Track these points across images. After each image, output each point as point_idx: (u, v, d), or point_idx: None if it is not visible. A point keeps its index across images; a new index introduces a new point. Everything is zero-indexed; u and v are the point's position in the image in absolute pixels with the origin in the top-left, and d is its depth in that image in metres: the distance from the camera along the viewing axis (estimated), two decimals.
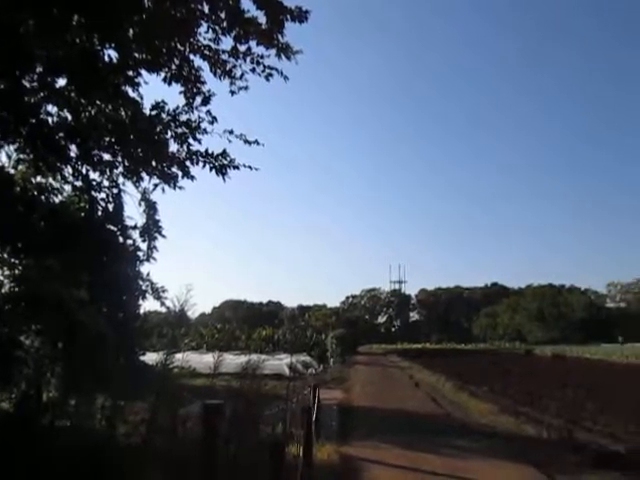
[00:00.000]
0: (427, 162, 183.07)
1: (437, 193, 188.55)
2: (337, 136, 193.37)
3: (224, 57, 6.95)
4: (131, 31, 6.19)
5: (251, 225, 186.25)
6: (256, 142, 7.12)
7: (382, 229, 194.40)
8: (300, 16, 6.66)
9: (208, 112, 7.02)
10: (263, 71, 7.03)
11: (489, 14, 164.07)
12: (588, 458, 7.88)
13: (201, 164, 6.82)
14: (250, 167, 7.02)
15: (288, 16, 6.63)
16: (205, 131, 7.01)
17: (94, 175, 6.69)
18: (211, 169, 6.82)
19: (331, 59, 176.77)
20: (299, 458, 6.12)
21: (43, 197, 6.40)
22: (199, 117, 6.99)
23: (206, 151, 6.84)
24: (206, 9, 6.45)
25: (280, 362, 24.68)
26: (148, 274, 6.79)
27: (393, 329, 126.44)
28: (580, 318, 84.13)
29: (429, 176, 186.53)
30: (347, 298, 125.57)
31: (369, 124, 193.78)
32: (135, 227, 6.81)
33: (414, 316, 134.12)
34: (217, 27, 6.69)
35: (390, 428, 10.93)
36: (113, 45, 6.16)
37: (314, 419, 8.28)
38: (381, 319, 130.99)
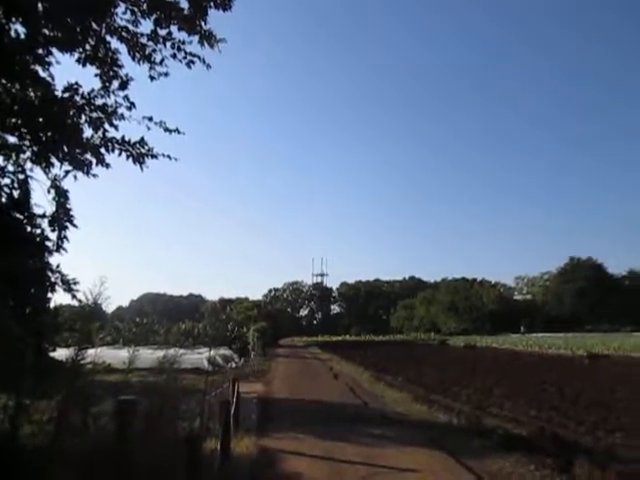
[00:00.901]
0: (349, 156, 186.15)
1: (358, 188, 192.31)
2: (263, 126, 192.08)
3: (143, 41, 6.69)
4: (40, 5, 5.82)
5: (173, 217, 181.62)
6: (177, 131, 6.92)
7: (305, 223, 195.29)
8: (224, 3, 6.54)
9: (126, 97, 6.72)
10: (184, 58, 6.83)
11: None
12: (494, 442, 8.35)
13: (117, 151, 6.53)
14: (169, 157, 6.80)
15: (211, 3, 6.50)
16: (122, 117, 6.71)
17: None
18: (128, 157, 6.54)
19: (260, 48, 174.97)
20: (216, 452, 6.06)
21: None
22: (116, 102, 6.68)
23: (123, 138, 6.55)
24: None
25: (200, 356, 24.22)
26: (58, 265, 6.38)
27: (315, 322, 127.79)
28: (490, 310, 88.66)
29: (350, 171, 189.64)
30: (270, 291, 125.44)
31: (295, 116, 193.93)
32: (44, 216, 6.37)
33: (335, 309, 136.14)
34: (136, 9, 6.44)
35: (309, 419, 11.05)
36: (20, 20, 5.77)
37: (233, 412, 8.22)
38: (303, 312, 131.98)
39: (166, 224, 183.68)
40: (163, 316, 66.50)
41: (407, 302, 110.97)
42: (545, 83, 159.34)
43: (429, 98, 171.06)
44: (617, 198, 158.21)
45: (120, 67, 6.68)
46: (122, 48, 6.68)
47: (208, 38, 6.74)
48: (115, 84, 6.65)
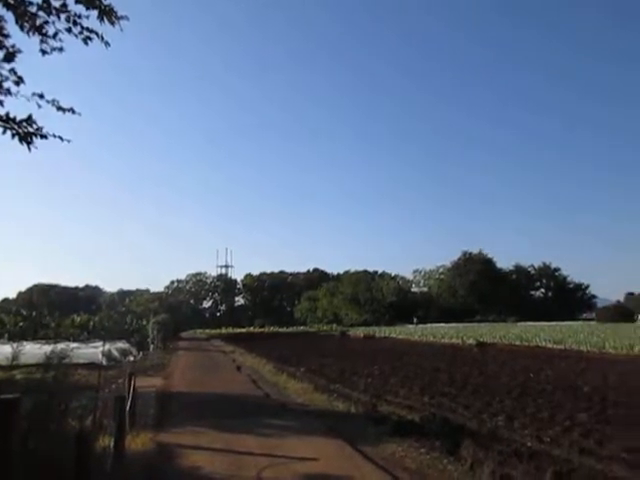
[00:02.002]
0: (256, 149, 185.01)
1: (262, 179, 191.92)
2: (170, 115, 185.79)
3: (33, 10, 6.18)
4: None
5: (66, 204, 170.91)
6: (71, 110, 6.47)
7: (210, 214, 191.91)
8: None
9: (12, 70, 6.18)
10: (81, 33, 6.38)
11: None
12: (389, 428, 8.70)
13: (0, 129, 6.00)
14: (61, 138, 6.30)
15: None
16: (9, 92, 6.18)
17: None
18: (13, 136, 6.02)
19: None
20: (109, 450, 5.81)
21: None
22: (1, 75, 6.14)
23: (7, 115, 6.02)
24: None
25: (95, 350, 23.01)
26: None
27: (218, 314, 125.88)
28: (390, 302, 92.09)
29: (257, 164, 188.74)
30: (172, 282, 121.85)
31: (204, 108, 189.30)
32: None
33: (239, 300, 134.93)
34: None
35: (210, 412, 10.91)
36: None
37: (129, 408, 7.92)
38: (206, 304, 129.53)
39: (60, 212, 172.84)
40: (56, 308, 62.32)
41: (311, 294, 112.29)
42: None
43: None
44: (506, 198, 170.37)
45: (6, 37, 6.12)
46: (9, 16, 6.12)
47: (108, 14, 6.33)
48: (0, 55, 6.09)
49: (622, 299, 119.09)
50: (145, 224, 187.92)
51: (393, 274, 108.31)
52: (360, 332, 54.47)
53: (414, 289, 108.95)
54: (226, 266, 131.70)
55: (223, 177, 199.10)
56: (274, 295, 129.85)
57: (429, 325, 65.47)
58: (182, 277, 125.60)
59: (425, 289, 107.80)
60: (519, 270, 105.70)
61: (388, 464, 6.81)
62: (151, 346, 36.44)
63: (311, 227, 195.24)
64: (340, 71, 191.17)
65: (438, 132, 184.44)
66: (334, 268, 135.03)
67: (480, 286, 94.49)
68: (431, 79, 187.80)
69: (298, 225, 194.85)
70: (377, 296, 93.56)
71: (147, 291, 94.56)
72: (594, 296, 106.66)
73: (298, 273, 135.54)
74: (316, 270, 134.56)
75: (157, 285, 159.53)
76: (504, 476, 5.98)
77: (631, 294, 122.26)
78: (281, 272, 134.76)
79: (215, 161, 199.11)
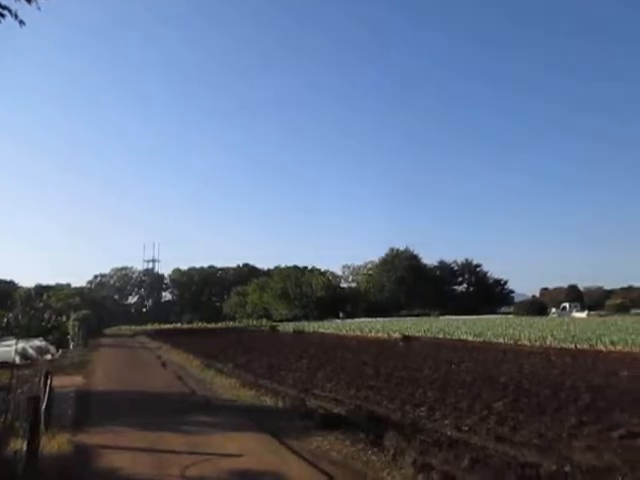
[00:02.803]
0: (180, 143, 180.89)
1: (193, 175, 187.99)
2: (95, 104, 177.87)
3: None
4: None
5: None
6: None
7: (137, 207, 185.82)
8: None
9: None
10: None
11: None
12: (315, 422, 8.79)
13: None
14: None
15: None
16: None
17: None
18: None
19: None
20: (22, 452, 5.52)
21: None
22: None
23: None
24: None
25: (9, 349, 21.76)
26: None
27: (144, 309, 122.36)
28: (319, 297, 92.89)
29: (184, 157, 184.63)
30: (95, 277, 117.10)
31: (138, 99, 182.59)
32: None
33: (167, 296, 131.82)
34: None
35: (132, 411, 10.61)
36: None
37: (44, 408, 7.55)
38: (132, 299, 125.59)
39: None
40: None
41: (240, 289, 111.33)
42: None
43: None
44: (431, 198, 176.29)
45: None
46: None
47: None
48: None
49: (537, 294, 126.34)
50: (65, 217, 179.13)
51: (323, 269, 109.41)
52: (289, 327, 54.61)
53: (343, 284, 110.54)
54: (153, 260, 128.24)
55: (149, 169, 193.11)
56: (203, 290, 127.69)
57: (357, 320, 66.59)
58: (106, 271, 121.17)
59: (354, 284, 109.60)
60: (443, 266, 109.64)
61: (314, 457, 6.89)
62: (71, 344, 34.90)
63: (241, 222, 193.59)
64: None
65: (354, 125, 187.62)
66: (264, 263, 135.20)
67: (406, 281, 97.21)
68: None
69: (228, 220, 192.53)
70: (307, 291, 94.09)
71: (68, 286, 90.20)
72: (512, 291, 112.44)
73: (228, 268, 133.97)
74: (246, 265, 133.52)
75: (78, 280, 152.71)
76: (425, 465, 6.19)
77: (545, 289, 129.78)
78: (210, 267, 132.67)
79: (142, 153, 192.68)
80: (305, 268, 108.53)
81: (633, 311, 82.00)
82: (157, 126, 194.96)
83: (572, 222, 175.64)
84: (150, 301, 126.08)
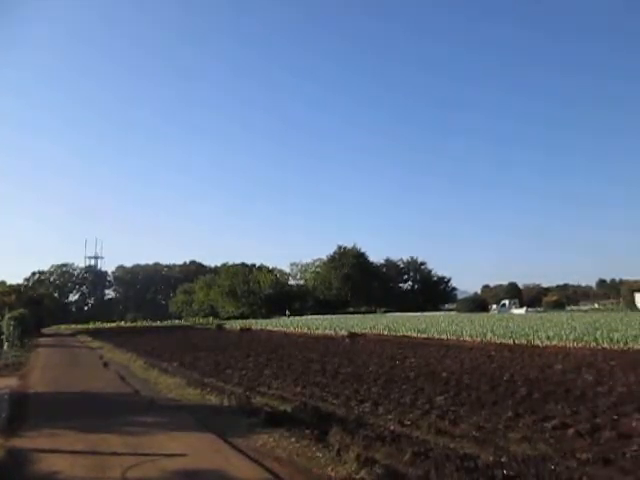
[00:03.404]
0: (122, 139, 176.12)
1: (135, 169, 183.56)
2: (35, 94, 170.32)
3: None
4: None
5: None
6: None
7: (79, 201, 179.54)
8: None
9: None
10: None
11: None
12: (261, 419, 8.79)
13: None
14: None
15: None
16: None
17: None
18: None
19: None
20: None
21: None
22: None
23: None
24: None
25: None
26: None
27: (86, 308, 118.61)
28: (267, 294, 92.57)
29: (128, 151, 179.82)
30: (33, 274, 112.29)
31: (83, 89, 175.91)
32: None
33: (110, 294, 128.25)
34: None
35: (72, 413, 10.28)
36: None
37: None
38: (73, 297, 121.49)
39: None
40: None
41: (187, 287, 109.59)
42: None
43: None
44: (376, 198, 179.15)
45: None
46: None
47: None
48: None
49: (479, 291, 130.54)
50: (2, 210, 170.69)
51: (271, 267, 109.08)
52: (237, 325, 54.17)
53: (291, 282, 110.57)
54: (96, 257, 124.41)
55: (91, 162, 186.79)
56: (148, 288, 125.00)
57: (305, 317, 66.77)
58: (45, 268, 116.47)
59: (302, 282, 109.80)
60: (389, 264, 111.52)
61: (259, 455, 6.89)
62: (6, 344, 33.36)
63: (188, 219, 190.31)
64: None
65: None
66: (211, 261, 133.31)
67: (353, 279, 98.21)
68: None
69: (174, 216, 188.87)
70: (254, 289, 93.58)
71: (3, 283, 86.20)
72: (455, 288, 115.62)
73: (174, 265, 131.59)
74: (193, 262, 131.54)
75: (14, 277, 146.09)
76: (368, 459, 6.31)
77: (487, 286, 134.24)
78: (156, 264, 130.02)
79: (81, 151, 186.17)
80: (253, 265, 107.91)
81: (568, 308, 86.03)
82: (96, 129, 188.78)
83: (512, 223, 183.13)
84: (92, 299, 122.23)
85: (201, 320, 78.76)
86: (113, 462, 6.72)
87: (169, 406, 10.89)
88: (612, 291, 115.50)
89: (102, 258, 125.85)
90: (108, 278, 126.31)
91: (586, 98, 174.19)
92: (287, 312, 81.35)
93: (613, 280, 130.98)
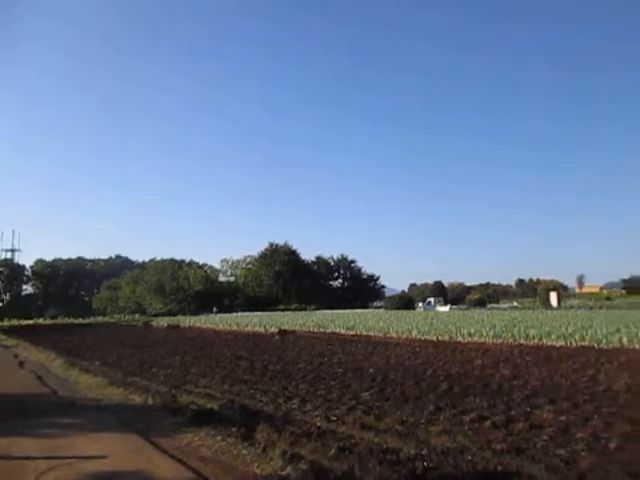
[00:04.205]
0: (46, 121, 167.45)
1: (60, 155, 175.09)
2: None
3: None
4: None
5: None
6: None
7: None
8: None
9: None
10: None
11: None
12: (187, 418, 8.64)
13: None
14: None
15: None
16: None
17: None
18: None
19: None
20: None
21: None
22: None
23: None
24: None
25: None
26: None
27: (1, 304, 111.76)
28: (197, 291, 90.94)
29: (52, 142, 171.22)
30: None
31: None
32: None
33: (28, 289, 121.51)
34: None
35: None
36: None
37: None
38: None
39: None
40: None
41: (112, 282, 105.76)
42: None
43: None
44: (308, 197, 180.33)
45: None
46: None
47: None
48: None
49: (406, 289, 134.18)
50: None
51: (201, 263, 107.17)
52: (164, 322, 52.86)
53: (222, 278, 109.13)
54: (12, 250, 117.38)
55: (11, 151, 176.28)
56: (70, 283, 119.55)
57: (234, 314, 66.15)
58: None
59: (232, 279, 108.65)
60: (320, 261, 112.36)
61: (183, 454, 6.77)
62: None
63: (114, 213, 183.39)
64: None
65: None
66: (139, 255, 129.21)
67: (284, 276, 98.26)
68: None
69: (100, 210, 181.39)
70: (183, 285, 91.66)
71: None
72: (383, 286, 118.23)
73: (98, 260, 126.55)
74: (119, 257, 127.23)
75: None
76: (294, 455, 6.35)
77: (414, 285, 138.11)
78: (79, 258, 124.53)
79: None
80: (183, 261, 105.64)
81: (489, 305, 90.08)
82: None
83: (438, 226, 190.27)
84: (7, 295, 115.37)
85: (127, 317, 76.25)
86: (26, 467, 6.39)
87: (90, 406, 10.48)
88: (530, 290, 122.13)
89: (19, 251, 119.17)
90: (26, 272, 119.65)
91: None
92: (214, 309, 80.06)
93: (531, 280, 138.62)
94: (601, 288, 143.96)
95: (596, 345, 18.58)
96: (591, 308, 57.84)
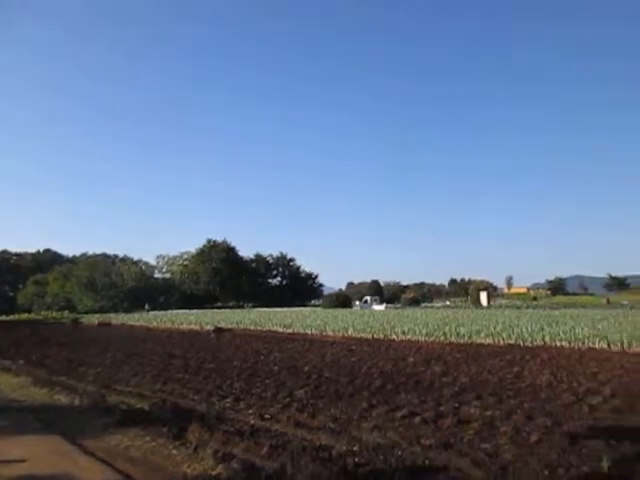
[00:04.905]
0: None
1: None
2: None
3: None
4: None
5: None
6: None
7: None
8: None
9: None
10: None
11: None
12: (116, 418, 8.38)
13: None
14: None
15: None
16: None
17: None
18: None
19: None
20: None
21: None
22: None
23: None
24: None
25: None
26: None
27: None
28: (130, 287, 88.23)
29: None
30: None
31: None
32: None
33: None
34: None
35: None
36: None
37: None
38: None
39: None
40: None
41: (39, 277, 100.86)
42: None
43: None
44: (248, 194, 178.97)
45: None
46: None
47: None
48: None
49: (344, 288, 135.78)
50: None
51: (135, 259, 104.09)
52: (95, 319, 50.97)
53: (157, 275, 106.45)
54: None
55: None
56: None
57: (170, 311, 64.70)
58: None
59: (168, 275, 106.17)
60: (259, 259, 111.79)
61: (110, 456, 6.56)
62: None
63: (41, 202, 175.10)
64: None
65: None
66: (69, 250, 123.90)
67: (222, 273, 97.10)
68: None
69: (28, 197, 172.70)
70: (117, 281, 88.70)
71: None
72: (322, 285, 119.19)
73: (25, 254, 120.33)
74: (47, 251, 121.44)
75: None
76: (226, 454, 6.29)
77: (351, 283, 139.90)
78: (3, 252, 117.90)
79: None
80: (116, 257, 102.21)
81: (423, 304, 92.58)
82: None
83: (375, 226, 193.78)
84: None
85: (54, 314, 72.90)
86: None
87: (11, 408, 9.95)
88: (462, 290, 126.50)
89: None
90: None
91: None
92: (146, 306, 77.71)
93: (463, 280, 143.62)
94: (528, 289, 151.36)
95: (522, 343, 19.47)
96: (518, 308, 60.62)
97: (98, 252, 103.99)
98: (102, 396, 10.39)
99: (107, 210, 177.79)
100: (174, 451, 6.68)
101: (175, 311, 65.45)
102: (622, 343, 17.25)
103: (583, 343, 18.13)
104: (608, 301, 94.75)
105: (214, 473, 5.78)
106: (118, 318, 50.91)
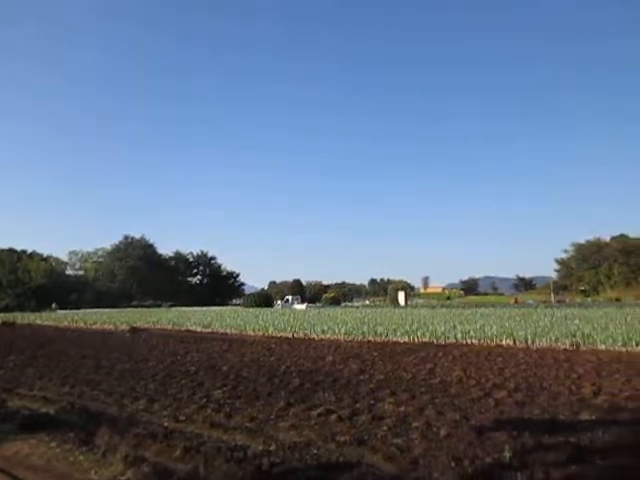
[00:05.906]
0: None
1: None
2: None
3: None
4: None
5: None
6: None
7: None
8: None
9: None
10: None
11: None
12: (16, 424, 7.89)
13: None
14: None
15: None
16: None
17: None
18: None
19: None
20: None
21: None
22: None
23: None
24: None
25: None
26: None
27: None
28: (39, 285, 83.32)
29: None
30: None
31: None
32: None
33: None
34: None
35: None
36: None
37: None
38: None
39: None
40: None
41: None
42: None
43: None
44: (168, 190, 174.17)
45: None
46: None
47: None
48: None
49: (266, 287, 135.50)
50: None
51: (45, 254, 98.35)
52: None
53: (69, 272, 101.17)
54: None
55: None
56: None
57: (82, 310, 61.72)
58: None
59: (81, 272, 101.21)
60: (179, 257, 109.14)
61: (9, 464, 6.16)
62: None
63: None
64: None
65: None
66: None
67: (140, 271, 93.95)
68: None
69: None
70: (24, 278, 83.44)
71: None
72: (243, 284, 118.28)
73: None
74: None
75: None
76: (137, 458, 6.09)
77: (273, 282, 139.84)
78: None
79: None
80: (23, 252, 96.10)
81: (343, 304, 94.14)
82: None
83: (300, 226, 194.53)
84: None
85: None
86: None
87: None
88: (381, 289, 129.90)
89: None
90: None
91: None
92: (53, 305, 73.53)
93: (382, 280, 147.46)
94: (443, 289, 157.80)
95: (435, 340, 20.28)
96: (434, 307, 63.00)
97: (4, 247, 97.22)
98: (2, 401, 9.74)
99: (13, 201, 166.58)
100: (81, 457, 6.38)
101: (89, 310, 62.53)
102: (526, 340, 18.42)
103: (492, 340, 19.17)
104: (516, 300, 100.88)
105: (123, 478, 5.57)
106: (24, 317, 47.95)
